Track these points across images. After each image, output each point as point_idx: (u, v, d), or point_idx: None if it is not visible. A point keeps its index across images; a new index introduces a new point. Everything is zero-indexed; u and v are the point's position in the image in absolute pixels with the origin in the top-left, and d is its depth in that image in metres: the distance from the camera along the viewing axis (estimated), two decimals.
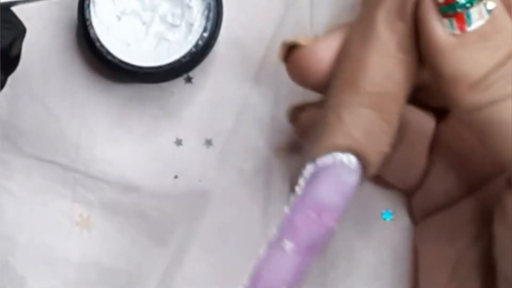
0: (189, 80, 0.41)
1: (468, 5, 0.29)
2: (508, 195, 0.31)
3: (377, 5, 0.30)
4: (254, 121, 0.41)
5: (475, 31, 0.29)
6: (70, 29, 0.41)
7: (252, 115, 0.41)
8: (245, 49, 0.41)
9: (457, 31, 0.29)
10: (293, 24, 0.41)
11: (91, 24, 0.39)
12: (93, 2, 0.39)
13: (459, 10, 0.29)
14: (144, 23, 0.40)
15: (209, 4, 0.39)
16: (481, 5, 0.29)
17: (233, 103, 0.41)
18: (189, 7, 0.40)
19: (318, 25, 0.41)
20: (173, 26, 0.40)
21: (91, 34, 0.39)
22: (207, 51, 0.39)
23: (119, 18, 0.40)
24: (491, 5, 0.29)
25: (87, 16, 0.39)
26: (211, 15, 0.39)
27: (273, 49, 0.41)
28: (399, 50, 0.30)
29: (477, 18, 0.29)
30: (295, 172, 0.32)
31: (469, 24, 0.29)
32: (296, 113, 0.37)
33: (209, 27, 0.39)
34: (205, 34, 0.39)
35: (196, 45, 0.39)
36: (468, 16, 0.29)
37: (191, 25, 0.39)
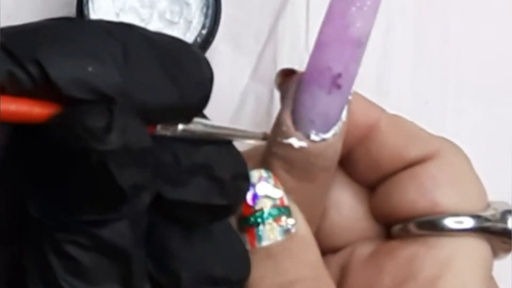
0: None
1: (259, 221, 0.29)
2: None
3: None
4: (251, 117, 0.41)
5: (264, 248, 0.29)
6: None
7: (249, 111, 0.41)
8: (242, 46, 0.41)
9: (249, 246, 0.29)
10: (290, 20, 0.42)
11: None
12: None
13: (250, 226, 0.29)
14: (142, 20, 0.40)
15: (207, 1, 0.39)
16: (275, 224, 0.29)
17: (230, 99, 0.41)
18: (188, 4, 0.40)
19: (314, 21, 0.41)
20: (172, 23, 0.40)
21: None
22: (206, 48, 0.39)
23: (117, 15, 0.40)
24: (290, 223, 0.29)
25: (85, 13, 0.39)
26: (210, 12, 0.39)
27: (270, 45, 0.42)
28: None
29: (268, 236, 0.29)
30: None
31: (259, 241, 0.29)
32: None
33: (207, 24, 0.39)
34: (204, 31, 0.39)
35: (195, 42, 0.39)
36: (258, 233, 0.29)
37: (190, 22, 0.40)
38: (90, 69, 0.23)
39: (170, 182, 0.25)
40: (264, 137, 0.31)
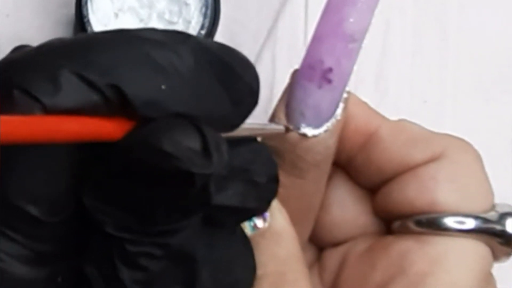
0: None
1: None
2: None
3: None
4: (250, 117, 0.41)
5: None
6: (68, 27, 0.41)
7: None
8: (241, 46, 0.41)
9: None
10: (289, 20, 0.42)
11: (88, 21, 0.39)
12: None
13: None
14: (141, 20, 0.40)
15: (206, 1, 0.39)
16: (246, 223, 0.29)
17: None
18: (187, 4, 0.40)
19: (313, 21, 0.41)
20: (171, 23, 0.40)
21: (89, 32, 0.39)
22: None
23: (116, 15, 0.40)
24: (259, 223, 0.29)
25: (84, 13, 0.39)
26: (209, 12, 0.39)
27: (269, 45, 0.42)
28: None
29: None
30: None
31: None
32: None
33: (206, 24, 0.39)
34: (203, 31, 0.39)
35: None
36: None
37: (189, 22, 0.40)
38: (163, 87, 0.22)
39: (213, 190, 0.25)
40: (287, 130, 0.30)
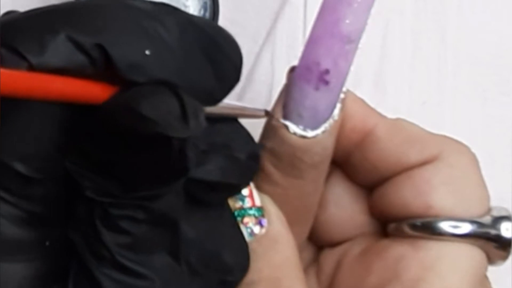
0: None
1: None
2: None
3: None
4: (248, 119, 0.42)
5: None
6: None
7: None
8: (240, 46, 0.42)
9: None
10: (287, 22, 0.42)
11: None
12: None
13: None
14: None
15: (205, 3, 0.39)
16: (242, 226, 0.29)
17: (227, 99, 0.41)
18: (186, 6, 0.40)
19: (311, 22, 0.41)
20: None
21: None
22: None
23: None
24: (259, 225, 0.29)
25: None
26: (207, 14, 0.39)
27: (268, 46, 0.42)
28: None
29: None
30: None
31: None
32: None
33: None
34: None
35: None
36: None
37: None
38: (147, 52, 0.23)
39: (193, 160, 0.26)
40: (266, 114, 0.31)
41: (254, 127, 0.41)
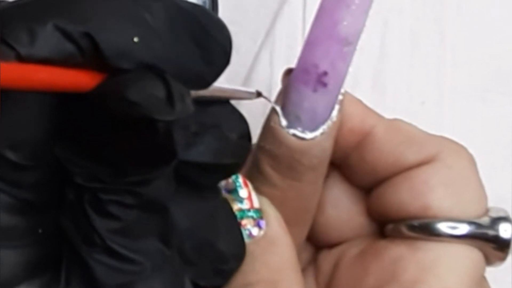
0: None
1: None
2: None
3: None
4: (247, 118, 0.41)
5: None
6: None
7: (245, 112, 0.41)
8: (238, 47, 0.42)
9: None
10: (287, 21, 0.42)
11: None
12: None
13: None
14: None
15: (204, 2, 0.39)
16: (241, 228, 0.29)
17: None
18: None
19: (310, 22, 0.41)
20: None
21: None
22: None
23: None
24: (257, 226, 0.29)
25: None
26: None
27: (267, 46, 0.42)
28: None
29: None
30: None
31: None
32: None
33: None
34: None
35: None
36: None
37: None
38: (135, 39, 0.23)
39: (181, 143, 0.26)
40: (258, 95, 0.31)
41: (254, 127, 0.41)
